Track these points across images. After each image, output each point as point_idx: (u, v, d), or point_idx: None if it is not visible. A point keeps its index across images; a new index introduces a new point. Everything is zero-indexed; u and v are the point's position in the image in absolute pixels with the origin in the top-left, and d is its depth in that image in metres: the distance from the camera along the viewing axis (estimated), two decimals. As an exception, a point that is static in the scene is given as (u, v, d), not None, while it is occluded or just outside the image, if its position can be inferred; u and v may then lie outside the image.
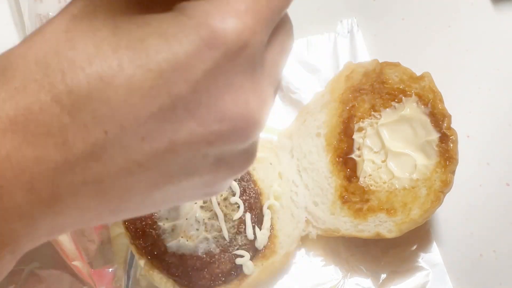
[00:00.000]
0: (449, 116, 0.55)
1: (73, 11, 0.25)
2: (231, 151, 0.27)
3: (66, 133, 0.24)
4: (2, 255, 0.25)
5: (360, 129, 0.58)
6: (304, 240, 0.58)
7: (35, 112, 0.23)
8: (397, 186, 0.56)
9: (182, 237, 0.54)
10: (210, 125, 0.25)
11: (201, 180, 0.28)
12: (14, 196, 0.24)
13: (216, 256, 0.54)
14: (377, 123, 0.58)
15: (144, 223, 0.53)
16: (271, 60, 0.27)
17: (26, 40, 0.25)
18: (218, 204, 0.55)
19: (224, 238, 0.54)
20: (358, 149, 0.58)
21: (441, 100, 0.56)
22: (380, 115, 0.58)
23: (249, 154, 0.29)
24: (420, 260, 0.58)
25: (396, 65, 0.58)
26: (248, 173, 0.57)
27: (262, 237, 0.55)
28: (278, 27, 0.28)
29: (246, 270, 0.54)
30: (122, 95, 0.23)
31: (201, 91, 0.24)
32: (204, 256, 0.54)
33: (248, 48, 0.25)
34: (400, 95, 0.57)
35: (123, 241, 0.57)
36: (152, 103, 0.24)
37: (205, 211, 0.55)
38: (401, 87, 0.57)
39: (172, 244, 0.54)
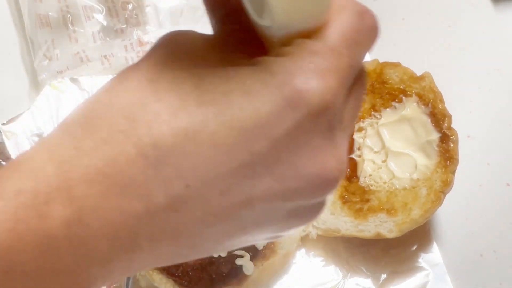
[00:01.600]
0: (450, 116, 0.55)
1: (156, 60, 0.25)
2: (304, 205, 0.28)
3: (149, 185, 0.24)
4: None
5: (360, 129, 0.58)
6: (304, 240, 0.58)
7: (121, 164, 0.24)
8: (397, 186, 0.56)
9: (182, 237, 0.54)
10: (287, 182, 0.25)
11: (270, 229, 0.28)
12: (98, 244, 0.24)
13: (216, 256, 0.54)
14: (377, 123, 0.57)
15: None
16: (348, 115, 0.27)
17: (111, 88, 0.25)
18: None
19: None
20: (359, 149, 0.58)
21: (442, 100, 0.56)
22: (381, 115, 0.58)
23: (320, 207, 0.29)
24: (420, 260, 0.58)
25: (396, 65, 0.58)
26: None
27: (262, 237, 0.55)
28: (355, 80, 0.27)
29: (246, 270, 0.54)
30: (204, 151, 0.24)
31: (280, 149, 0.25)
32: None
33: (329, 110, 0.25)
34: (401, 95, 0.57)
35: (123, 241, 0.56)
36: (233, 160, 0.24)
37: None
38: (401, 87, 0.57)
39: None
